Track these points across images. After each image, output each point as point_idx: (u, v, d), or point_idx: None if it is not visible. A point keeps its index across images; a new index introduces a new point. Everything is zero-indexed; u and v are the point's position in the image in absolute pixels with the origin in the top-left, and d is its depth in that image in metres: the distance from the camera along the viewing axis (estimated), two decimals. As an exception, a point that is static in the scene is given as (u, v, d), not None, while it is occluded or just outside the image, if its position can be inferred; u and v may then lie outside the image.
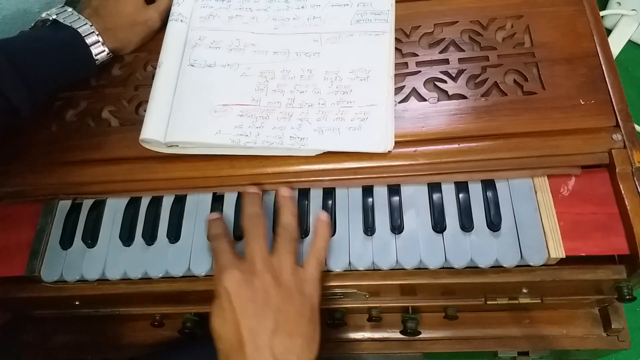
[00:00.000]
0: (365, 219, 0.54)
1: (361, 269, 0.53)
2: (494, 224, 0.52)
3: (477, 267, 0.52)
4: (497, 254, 0.51)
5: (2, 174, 0.61)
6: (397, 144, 0.54)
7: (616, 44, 1.05)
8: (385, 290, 0.58)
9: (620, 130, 0.52)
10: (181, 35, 0.63)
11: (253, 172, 0.56)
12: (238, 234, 0.55)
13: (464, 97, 0.56)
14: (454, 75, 0.58)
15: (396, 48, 0.60)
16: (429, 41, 0.61)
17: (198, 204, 0.57)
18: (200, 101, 0.59)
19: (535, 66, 0.57)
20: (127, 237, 0.57)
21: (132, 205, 0.59)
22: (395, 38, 0.61)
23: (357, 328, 0.67)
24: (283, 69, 0.60)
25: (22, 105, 0.55)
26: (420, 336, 0.64)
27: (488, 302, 0.59)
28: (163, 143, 0.57)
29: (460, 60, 0.59)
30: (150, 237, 0.56)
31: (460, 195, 0.54)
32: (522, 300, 0.57)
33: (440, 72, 0.58)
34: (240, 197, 0.56)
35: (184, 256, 0.55)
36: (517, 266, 0.51)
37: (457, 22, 0.61)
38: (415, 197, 0.55)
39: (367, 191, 0.56)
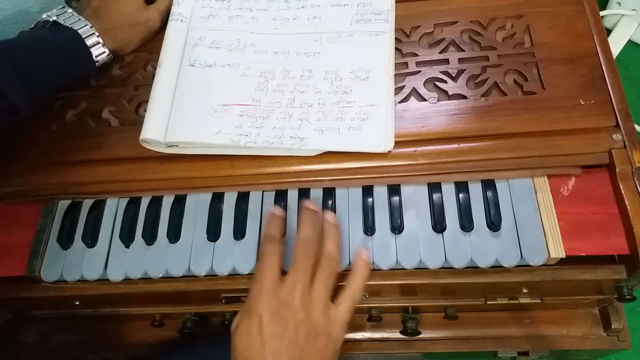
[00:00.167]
0: (365, 219, 0.54)
1: (361, 268, 0.53)
2: (494, 224, 0.52)
3: (477, 267, 0.52)
4: (497, 254, 0.51)
5: (2, 174, 0.61)
6: (397, 144, 0.54)
7: (616, 44, 1.05)
8: (385, 290, 0.58)
9: (620, 130, 0.52)
10: (181, 35, 0.63)
11: (253, 172, 0.56)
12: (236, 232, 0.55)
13: (464, 97, 0.56)
14: (454, 75, 0.58)
15: (396, 48, 0.60)
16: (429, 41, 0.61)
17: (198, 204, 0.57)
18: (200, 101, 0.59)
19: (535, 66, 0.57)
20: (127, 237, 0.57)
21: (132, 205, 0.59)
22: (395, 38, 0.61)
23: (357, 328, 0.67)
24: (283, 69, 0.60)
25: (22, 105, 0.55)
26: (420, 336, 0.64)
27: (488, 302, 0.59)
28: (163, 143, 0.57)
29: (460, 60, 0.59)
30: (150, 237, 0.56)
31: (460, 195, 0.54)
32: (522, 300, 0.57)
33: (440, 72, 0.58)
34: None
35: (184, 256, 0.55)
36: (517, 266, 0.51)
37: (457, 22, 0.61)
38: (415, 197, 0.55)
39: (367, 191, 0.56)
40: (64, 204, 0.60)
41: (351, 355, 0.67)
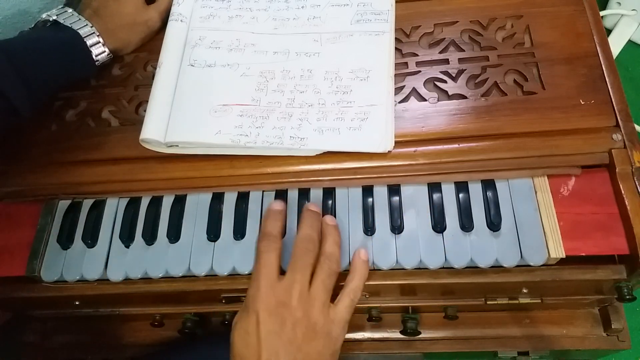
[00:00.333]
0: (365, 219, 0.54)
1: (361, 268, 0.53)
2: (494, 224, 0.52)
3: (477, 267, 0.52)
4: (497, 254, 0.51)
5: (2, 174, 0.61)
6: (397, 144, 0.54)
7: (616, 44, 1.06)
8: (385, 290, 0.58)
9: (620, 130, 0.52)
10: (181, 35, 0.63)
11: (253, 172, 0.56)
12: (238, 232, 0.55)
13: (464, 97, 0.56)
14: (454, 75, 0.58)
15: (396, 48, 0.60)
16: (429, 41, 0.61)
17: (198, 204, 0.57)
18: (200, 101, 0.59)
19: (535, 66, 0.57)
20: (127, 237, 0.57)
21: (132, 205, 0.59)
22: (395, 38, 0.61)
23: (357, 328, 0.67)
24: (283, 69, 0.60)
25: (22, 105, 0.55)
26: (420, 336, 0.64)
27: (488, 302, 0.59)
28: (163, 143, 0.57)
29: (460, 60, 0.59)
30: (150, 237, 0.56)
31: (460, 195, 0.54)
32: (522, 300, 0.57)
33: (440, 72, 0.58)
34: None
35: (184, 256, 0.55)
36: (517, 266, 0.51)
37: (457, 22, 0.61)
38: (415, 197, 0.55)
39: (367, 191, 0.56)
40: (64, 204, 0.60)
41: (351, 355, 0.67)
